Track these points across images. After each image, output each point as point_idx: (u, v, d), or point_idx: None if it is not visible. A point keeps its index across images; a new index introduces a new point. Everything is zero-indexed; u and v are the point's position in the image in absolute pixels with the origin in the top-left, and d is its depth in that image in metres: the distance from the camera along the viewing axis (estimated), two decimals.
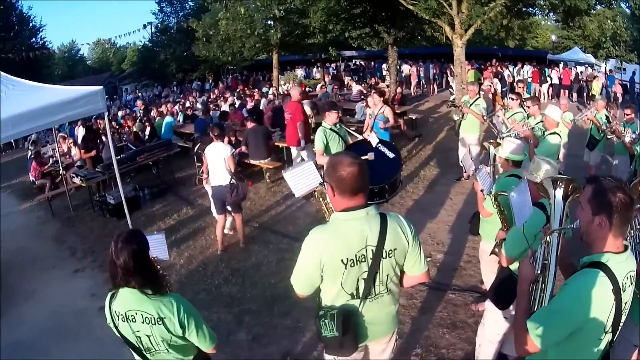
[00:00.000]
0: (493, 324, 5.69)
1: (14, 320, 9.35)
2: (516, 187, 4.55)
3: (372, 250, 3.81)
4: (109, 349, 7.14)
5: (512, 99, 13.01)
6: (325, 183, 4.03)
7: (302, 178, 5.32)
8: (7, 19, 49.21)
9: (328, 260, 3.74)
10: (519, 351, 3.36)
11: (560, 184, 3.68)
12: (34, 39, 52.93)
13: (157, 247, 4.92)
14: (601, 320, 3.14)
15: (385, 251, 3.85)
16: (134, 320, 3.90)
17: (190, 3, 59.56)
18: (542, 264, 3.58)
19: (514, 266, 5.13)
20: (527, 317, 3.31)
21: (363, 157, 6.26)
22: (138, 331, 3.95)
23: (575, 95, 31.75)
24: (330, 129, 9.55)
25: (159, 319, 3.87)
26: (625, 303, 3.27)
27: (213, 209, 11.42)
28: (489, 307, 5.71)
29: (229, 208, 10.87)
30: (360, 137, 9.66)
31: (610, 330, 3.23)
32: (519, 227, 4.85)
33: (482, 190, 6.56)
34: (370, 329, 4.08)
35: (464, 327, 7.33)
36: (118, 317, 3.96)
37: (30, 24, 53.18)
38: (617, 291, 3.15)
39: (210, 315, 8.22)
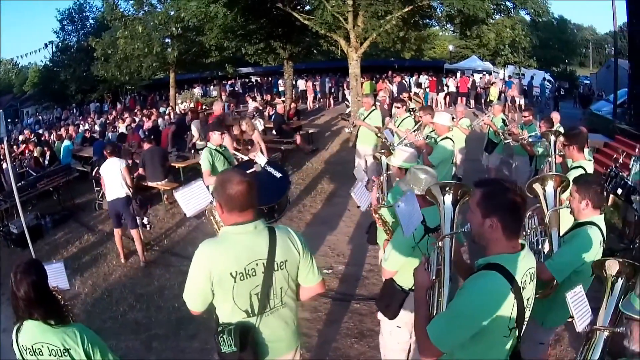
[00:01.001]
0: (389, 335, 5.74)
1: None
2: (402, 197, 4.47)
3: (263, 263, 3.89)
4: None
5: (398, 107, 13.52)
6: (214, 201, 4.12)
7: (192, 197, 5.39)
8: None
9: (217, 274, 3.80)
10: (424, 357, 3.42)
11: (449, 189, 3.75)
12: None
13: (57, 276, 4.82)
14: (503, 318, 3.20)
15: (277, 263, 3.94)
16: (40, 353, 3.85)
17: (91, 21, 58.43)
18: (437, 269, 3.64)
19: (398, 277, 5.28)
20: (427, 323, 3.36)
21: (250, 171, 6.34)
22: None
23: (472, 102, 32.58)
24: (215, 149, 9.53)
25: (64, 350, 3.82)
26: (528, 299, 3.35)
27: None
28: (381, 318, 5.76)
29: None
30: (246, 158, 9.71)
31: (515, 327, 3.29)
32: (394, 241, 5.11)
33: (358, 207, 6.71)
34: (271, 347, 4.12)
35: (372, 335, 7.42)
36: (26, 351, 3.92)
37: None
38: (517, 290, 3.20)
39: (119, 344, 8.12)
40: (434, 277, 3.63)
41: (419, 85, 35.59)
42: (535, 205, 4.99)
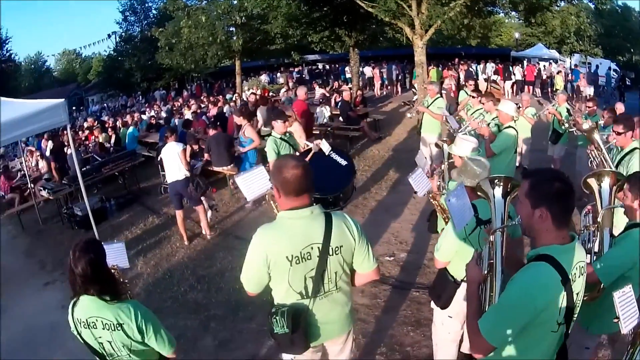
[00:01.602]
0: (440, 325, 5.69)
1: None
2: (453, 192, 4.38)
3: (318, 247, 3.92)
4: None
5: (473, 97, 13.20)
6: (271, 186, 4.14)
7: (253, 182, 5.39)
8: None
9: (273, 257, 3.85)
10: (475, 352, 3.33)
11: (499, 182, 3.74)
12: (0, 52, 52.31)
13: (117, 255, 4.95)
14: (552, 311, 3.11)
15: (332, 248, 3.96)
16: (94, 326, 3.97)
17: (154, 12, 58.82)
18: (489, 263, 3.63)
19: (451, 267, 5.21)
20: (479, 318, 3.29)
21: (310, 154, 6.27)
22: (100, 337, 4.01)
23: (538, 90, 31.96)
24: (280, 138, 9.54)
25: (117, 325, 3.92)
26: (577, 294, 3.25)
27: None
28: (434, 308, 5.72)
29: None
30: (311, 145, 9.65)
31: (563, 322, 3.22)
32: (447, 231, 4.97)
33: (415, 193, 6.63)
34: (323, 328, 4.15)
35: (428, 324, 6.99)
36: (80, 324, 4.03)
37: None
38: (566, 282, 3.11)
39: (177, 322, 8.26)
40: (485, 272, 3.63)
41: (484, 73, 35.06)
42: (592, 202, 4.85)
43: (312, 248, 3.92)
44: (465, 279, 4.28)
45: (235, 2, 30.11)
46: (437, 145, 10.51)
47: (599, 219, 4.65)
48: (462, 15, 23.89)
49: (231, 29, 31.87)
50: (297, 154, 9.51)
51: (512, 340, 3.20)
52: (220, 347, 7.54)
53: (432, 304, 5.74)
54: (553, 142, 13.53)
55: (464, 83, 26.64)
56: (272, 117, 10.24)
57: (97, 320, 3.95)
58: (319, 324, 4.13)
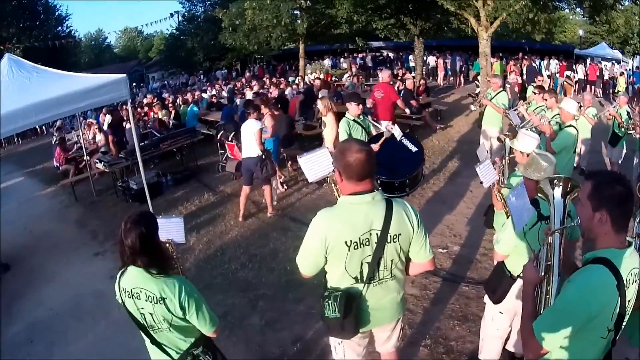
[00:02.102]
0: (491, 320, 5.73)
1: (33, 301, 9.57)
2: (514, 191, 4.53)
3: (377, 234, 3.90)
4: (124, 330, 7.17)
5: (535, 93, 12.98)
6: (334, 169, 4.12)
7: (316, 164, 5.36)
8: (33, 8, 49.14)
9: (332, 241, 3.83)
10: (528, 354, 3.32)
11: (558, 183, 3.69)
12: (60, 28, 52.88)
13: (175, 230, 5.03)
14: (605, 316, 3.09)
15: (390, 236, 3.93)
16: (138, 297, 4.04)
17: None
18: (546, 265, 3.58)
19: (508, 262, 5.18)
20: (533, 320, 3.28)
21: (388, 127, 6.24)
22: (142, 308, 4.08)
23: (599, 91, 31.47)
24: (354, 120, 9.53)
25: (160, 299, 3.98)
26: (629, 300, 3.22)
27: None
28: (487, 302, 5.77)
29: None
30: (383, 129, 9.61)
31: (612, 329, 3.18)
32: (508, 224, 4.93)
33: (481, 183, 6.59)
34: (373, 315, 4.16)
35: (475, 320, 7.26)
36: (125, 293, 4.11)
37: (56, 13, 53.20)
38: (621, 287, 3.08)
39: (226, 300, 8.33)
40: (542, 274, 3.57)
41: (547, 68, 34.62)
42: None
43: (370, 234, 3.91)
44: (521, 275, 4.26)
45: None
46: (499, 139, 10.40)
47: None
48: (527, 8, 23.55)
49: (296, 12, 31.83)
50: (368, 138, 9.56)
51: (563, 345, 3.17)
52: (267, 327, 7.56)
53: (485, 298, 5.76)
54: (612, 144, 13.40)
55: (525, 79, 26.47)
56: (346, 99, 10.32)
57: (141, 291, 4.03)
58: (370, 309, 4.13)
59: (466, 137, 19.04)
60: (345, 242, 3.85)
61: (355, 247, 3.88)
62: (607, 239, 3.19)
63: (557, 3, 26.16)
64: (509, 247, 5.04)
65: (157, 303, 3.98)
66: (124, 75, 11.38)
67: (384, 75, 16.08)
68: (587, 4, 23.28)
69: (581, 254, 4.28)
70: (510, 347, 6.02)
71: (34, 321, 8.84)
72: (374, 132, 9.88)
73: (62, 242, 12.39)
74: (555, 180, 3.71)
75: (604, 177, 3.28)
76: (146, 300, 4.01)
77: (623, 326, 3.26)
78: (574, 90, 31.03)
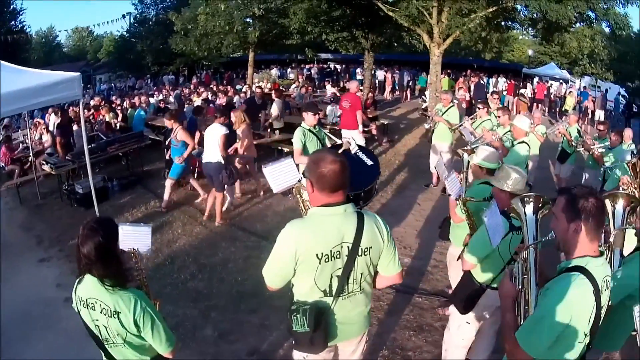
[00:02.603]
0: (457, 329, 5.79)
1: None
2: (488, 210, 4.65)
3: (348, 247, 3.86)
4: (75, 340, 6.99)
5: (479, 108, 13.34)
6: (305, 179, 4.03)
7: (281, 174, 5.35)
8: None
9: (303, 253, 3.76)
10: None
11: (529, 200, 3.84)
12: (13, 22, 52.14)
13: (141, 239, 4.79)
14: (583, 321, 3.25)
15: (361, 249, 3.90)
16: (93, 308, 3.87)
17: None
18: (522, 279, 3.66)
19: (476, 273, 5.33)
20: (515, 331, 3.39)
21: (341, 150, 6.25)
22: (97, 320, 3.92)
23: (546, 109, 32.08)
24: (309, 130, 9.50)
25: (114, 313, 3.81)
26: (603, 306, 3.38)
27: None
28: (452, 312, 5.83)
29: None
30: (339, 142, 9.63)
31: (588, 333, 3.32)
32: (480, 233, 5.08)
33: (449, 195, 6.64)
34: (341, 329, 4.10)
35: (431, 330, 7.44)
36: (80, 302, 3.94)
37: (11, 7, 52.36)
38: (597, 292, 3.25)
39: (177, 310, 8.20)
40: (519, 287, 3.66)
41: (496, 86, 35.20)
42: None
43: (342, 247, 3.85)
44: (492, 285, 4.85)
45: None
46: (457, 154, 10.54)
47: (611, 239, 4.77)
48: (480, 27, 23.94)
49: (248, 20, 31.76)
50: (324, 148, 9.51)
51: (546, 350, 3.27)
52: (221, 338, 7.47)
53: (451, 308, 5.90)
54: (560, 161, 13.87)
55: (473, 96, 26.88)
56: (303, 108, 10.36)
57: (96, 302, 3.85)
58: (337, 323, 4.07)
59: (413, 151, 19.35)
60: (317, 255, 3.78)
61: (326, 260, 3.82)
62: (582, 248, 3.37)
63: (510, 24, 26.61)
64: (480, 257, 5.14)
65: (111, 316, 3.82)
66: (78, 73, 11.27)
67: (352, 85, 16.47)
68: (540, 26, 23.67)
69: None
70: (471, 357, 6.09)
71: None
72: (328, 144, 9.86)
73: (6, 247, 12.02)
74: (526, 198, 3.85)
75: (577, 190, 3.43)
76: (100, 312, 3.85)
77: (597, 330, 3.41)
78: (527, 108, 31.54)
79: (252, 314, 7.98)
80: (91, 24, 71.73)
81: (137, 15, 58.44)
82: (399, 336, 7.37)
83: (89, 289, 3.87)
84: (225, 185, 11.97)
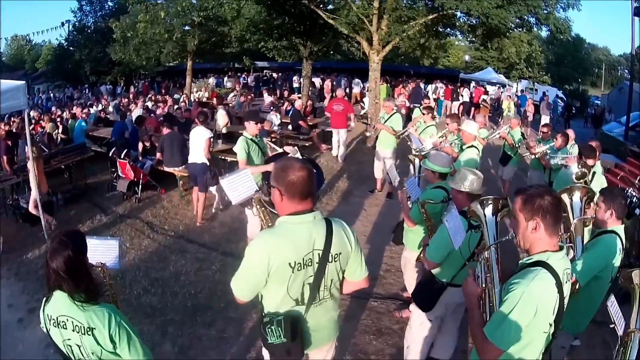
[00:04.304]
0: (419, 326, 5.95)
1: None
2: (448, 214, 4.81)
3: (319, 254, 3.94)
4: None
5: (424, 114, 13.63)
6: (272, 187, 4.03)
7: (239, 185, 5.39)
8: None
9: (276, 263, 3.78)
10: (484, 359, 3.51)
11: (488, 202, 4.05)
12: None
13: (108, 253, 4.83)
14: (547, 312, 3.41)
15: (332, 255, 3.99)
16: (64, 327, 3.74)
17: (110, 3, 57.91)
18: (485, 277, 3.85)
19: (438, 271, 5.51)
20: (482, 327, 3.53)
21: (288, 149, 6.31)
22: (68, 339, 3.76)
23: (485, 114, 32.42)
24: (251, 139, 9.49)
25: (88, 329, 3.68)
26: (565, 297, 3.55)
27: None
28: (414, 310, 5.97)
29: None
30: (280, 150, 9.69)
31: (553, 324, 3.51)
32: (440, 233, 5.28)
33: (409, 197, 6.79)
34: (314, 336, 4.16)
35: (390, 333, 7.58)
36: (50, 321, 3.82)
37: None
38: (560, 285, 3.44)
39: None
40: (483, 286, 3.82)
41: (434, 92, 35.52)
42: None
43: (313, 254, 3.93)
44: (453, 282, 5.16)
45: (194, 1, 30.02)
46: (409, 159, 10.69)
47: (572, 229, 5.29)
48: (420, 34, 24.14)
49: (187, 28, 31.51)
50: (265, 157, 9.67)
51: (513, 343, 3.42)
52: (180, 354, 7.46)
53: (412, 306, 6.06)
54: (503, 163, 14.28)
55: (411, 100, 27.15)
56: (245, 117, 10.32)
57: (67, 320, 3.71)
58: (310, 331, 4.13)
59: (354, 158, 19.51)
60: (289, 264, 3.82)
61: (299, 269, 3.87)
62: (542, 244, 3.56)
63: (450, 30, 26.89)
64: (442, 257, 5.33)
65: (84, 334, 3.67)
66: (23, 82, 11.03)
67: (339, 92, 19.45)
68: (479, 32, 24.00)
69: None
70: (434, 355, 6.25)
71: None
72: (269, 153, 9.92)
73: None
74: (485, 201, 4.06)
75: (532, 190, 3.60)
76: (73, 330, 3.70)
77: (561, 320, 3.62)
78: (460, 113, 31.78)
79: (209, 327, 7.96)
80: (30, 32, 70.11)
81: (76, 23, 57.56)
82: (359, 341, 7.49)
83: (59, 307, 3.76)
84: (209, 187, 12.35)
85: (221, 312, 7.86)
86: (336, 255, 4.02)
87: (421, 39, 25.25)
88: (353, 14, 22.04)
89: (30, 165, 11.54)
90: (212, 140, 12.61)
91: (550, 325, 3.49)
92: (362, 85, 37.29)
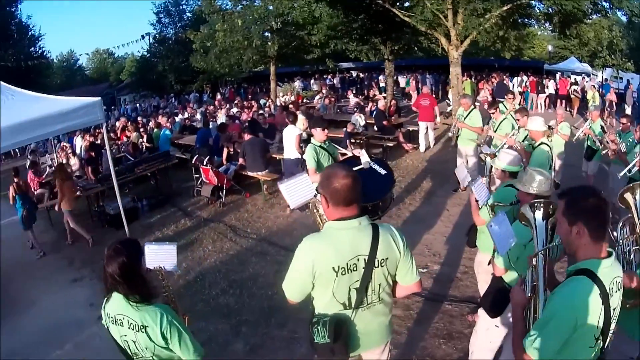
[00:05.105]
0: (485, 332, 5.77)
1: (11, 329, 9.47)
2: (495, 218, 4.58)
3: (364, 259, 3.88)
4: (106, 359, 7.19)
5: (492, 113, 13.25)
6: (319, 194, 4.08)
7: (297, 190, 5.39)
8: (6, 27, 48.18)
9: (320, 267, 3.81)
10: None
11: (539, 205, 3.82)
12: (32, 48, 51.94)
13: (167, 257, 4.96)
14: (591, 326, 3.15)
15: (377, 260, 3.92)
16: (121, 324, 4.01)
17: (188, 14, 58.75)
18: (532, 286, 3.67)
19: (507, 276, 5.23)
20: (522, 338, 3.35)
21: (357, 168, 6.27)
22: (125, 335, 4.04)
23: (576, 106, 31.52)
24: (320, 146, 9.38)
25: (142, 327, 3.93)
26: (614, 309, 3.31)
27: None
28: (481, 315, 5.79)
29: None
30: (349, 154, 9.61)
31: (600, 338, 3.24)
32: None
33: (477, 201, 6.63)
34: (362, 339, 4.13)
35: (460, 337, 7.34)
36: (109, 319, 4.07)
37: (30, 33, 52.05)
38: (605, 296, 3.17)
39: (208, 326, 8.28)
40: (529, 294, 3.67)
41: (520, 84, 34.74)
42: (627, 215, 4.81)
43: (358, 259, 3.87)
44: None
45: (271, 7, 30.05)
46: (480, 158, 10.48)
47: (638, 230, 4.64)
48: (497, 26, 23.83)
49: (266, 34, 31.74)
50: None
51: (554, 357, 3.19)
52: (251, 353, 7.55)
53: (480, 311, 5.86)
54: (587, 158, 13.46)
55: (495, 94, 26.60)
56: (312, 125, 10.17)
57: (123, 318, 3.98)
58: (359, 334, 4.09)
59: (438, 157, 19.13)
60: (333, 268, 3.82)
61: (343, 273, 3.85)
62: (587, 250, 3.29)
63: (526, 20, 26.37)
64: (511, 262, 5.10)
65: (138, 331, 3.94)
66: (99, 98, 11.49)
67: (425, 88, 20.88)
68: (556, 20, 23.45)
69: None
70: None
71: (12, 349, 8.73)
72: (339, 158, 9.76)
73: (38, 269, 12.31)
74: (536, 204, 3.84)
75: (576, 192, 3.40)
76: (128, 328, 3.97)
77: (611, 334, 3.34)
78: (545, 106, 31.34)
79: (282, 327, 8.03)
80: (111, 46, 71.84)
81: (156, 35, 58.63)
82: (428, 344, 7.33)
83: (117, 306, 4.01)
84: None
85: (295, 314, 7.78)
86: (383, 261, 3.96)
87: (499, 31, 24.88)
88: (428, 10, 21.84)
89: (113, 174, 11.89)
90: (301, 136, 13.26)
91: (597, 339, 3.25)
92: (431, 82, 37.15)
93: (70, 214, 13.47)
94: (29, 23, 52.25)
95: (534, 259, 3.73)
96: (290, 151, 13.52)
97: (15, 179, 13.77)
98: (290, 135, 13.60)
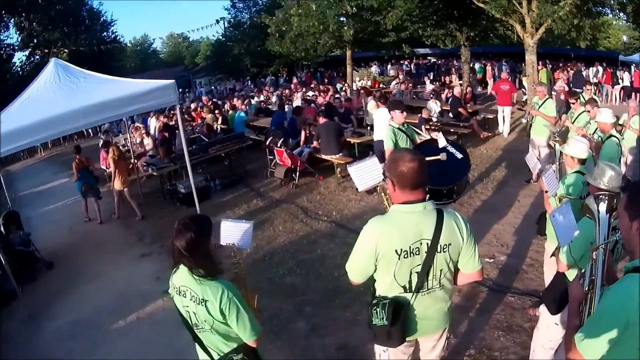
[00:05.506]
0: (545, 330, 5.68)
1: (77, 299, 9.91)
2: (559, 209, 4.38)
3: (427, 244, 3.93)
4: (169, 331, 7.41)
5: (573, 103, 13.05)
6: (386, 178, 4.15)
7: (366, 173, 5.45)
8: (77, 14, 48.87)
9: (383, 249, 3.87)
10: None
11: (604, 198, 3.65)
12: (105, 34, 52.75)
13: (241, 235, 5.08)
14: None
15: (440, 246, 3.96)
16: (184, 295, 4.18)
17: None
18: (590, 280, 3.54)
19: (570, 273, 5.20)
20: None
21: (434, 157, 6.27)
22: (187, 306, 4.21)
23: None
24: (399, 128, 9.42)
25: (202, 300, 4.06)
26: None
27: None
28: (543, 311, 5.71)
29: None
30: (427, 137, 9.57)
31: None
32: (577, 235, 4.88)
33: (546, 192, 6.61)
34: (420, 324, 4.17)
35: (520, 331, 7.31)
36: (174, 289, 4.30)
37: (102, 19, 52.71)
38: None
39: (272, 304, 8.44)
40: (586, 289, 3.54)
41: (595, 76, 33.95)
42: None
43: (421, 243, 3.93)
44: None
45: None
46: (549, 145, 10.36)
47: None
48: (572, 14, 23.42)
49: (342, 19, 31.61)
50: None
51: (604, 355, 3.04)
52: (312, 332, 7.67)
53: (541, 308, 5.76)
54: None
55: (572, 85, 26.19)
56: (390, 107, 10.11)
57: (187, 290, 4.16)
58: (417, 319, 4.14)
59: (513, 146, 18.86)
60: (396, 251, 3.87)
61: (405, 256, 3.90)
62: None
63: (600, 8, 25.88)
64: (576, 258, 4.99)
65: (199, 304, 4.09)
66: (173, 81, 11.71)
67: (504, 74, 21.31)
68: (630, 9, 23.09)
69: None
70: (557, 357, 5.88)
71: (76, 318, 9.13)
72: (418, 140, 9.74)
73: (108, 243, 12.75)
74: (601, 196, 3.67)
75: (639, 187, 3.33)
76: (190, 300, 4.14)
77: None
78: (620, 98, 30.57)
79: (345, 309, 8.15)
80: (185, 30, 72.43)
81: (231, 20, 59.31)
82: (487, 336, 7.31)
83: (182, 278, 4.20)
84: None
85: (359, 296, 7.88)
86: (445, 246, 3.99)
87: (574, 19, 24.42)
88: None
89: (186, 154, 12.14)
90: (393, 118, 13.03)
91: None
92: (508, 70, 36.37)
93: (125, 192, 14.14)
94: (100, 9, 52.94)
95: (594, 253, 3.52)
96: (380, 133, 13.00)
97: (77, 156, 14.20)
98: (382, 117, 13.38)
